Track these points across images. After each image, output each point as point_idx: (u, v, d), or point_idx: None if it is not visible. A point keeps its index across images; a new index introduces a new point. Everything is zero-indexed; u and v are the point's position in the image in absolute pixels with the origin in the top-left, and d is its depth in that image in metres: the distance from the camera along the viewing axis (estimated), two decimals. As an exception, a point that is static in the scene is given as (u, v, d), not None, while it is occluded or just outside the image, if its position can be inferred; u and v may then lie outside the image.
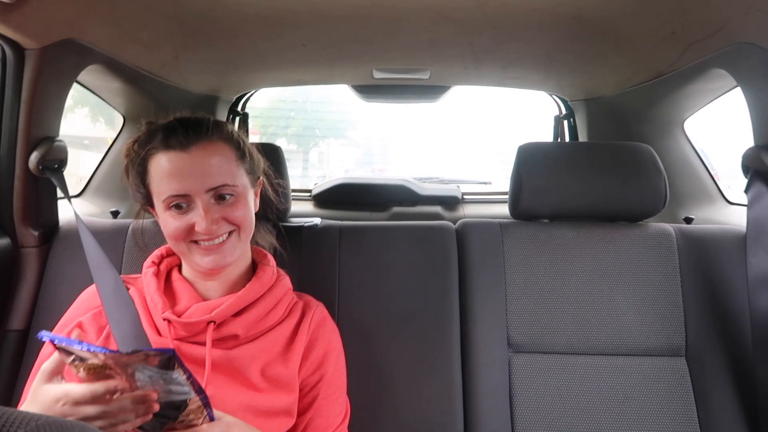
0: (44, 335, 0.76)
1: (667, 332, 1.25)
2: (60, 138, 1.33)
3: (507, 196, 1.39)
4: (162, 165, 0.96)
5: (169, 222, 0.97)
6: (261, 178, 1.11)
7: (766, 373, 1.14)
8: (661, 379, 1.22)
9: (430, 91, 2.21)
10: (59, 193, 1.37)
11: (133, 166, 1.01)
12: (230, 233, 0.99)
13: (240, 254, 1.02)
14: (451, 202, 2.38)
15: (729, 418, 1.18)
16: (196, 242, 0.98)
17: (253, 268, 1.10)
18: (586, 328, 1.26)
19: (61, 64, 1.27)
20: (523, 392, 1.22)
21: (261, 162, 1.12)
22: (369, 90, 2.23)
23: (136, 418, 0.77)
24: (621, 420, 1.20)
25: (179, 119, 1.01)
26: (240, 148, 1.03)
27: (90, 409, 0.75)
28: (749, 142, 1.30)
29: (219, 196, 0.97)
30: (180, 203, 0.96)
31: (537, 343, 1.26)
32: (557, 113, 2.28)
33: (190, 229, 0.96)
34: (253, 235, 1.09)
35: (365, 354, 1.22)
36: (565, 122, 2.25)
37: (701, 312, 1.26)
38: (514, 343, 1.26)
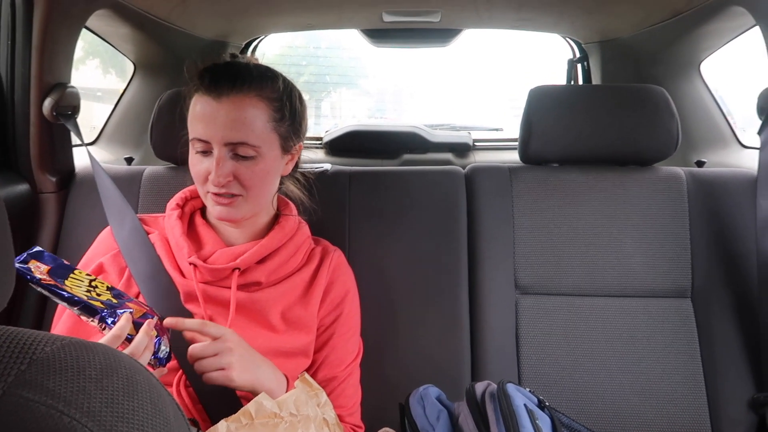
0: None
1: (673, 274, 1.27)
2: (72, 85, 1.34)
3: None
4: (195, 106, 0.97)
5: (194, 163, 1.00)
6: (301, 143, 1.08)
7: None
8: (666, 319, 1.25)
9: (441, 34, 2.16)
10: (74, 141, 1.39)
11: (183, 101, 1.02)
12: (240, 195, 0.98)
13: (250, 213, 1.02)
14: (462, 149, 2.37)
15: (731, 356, 1.21)
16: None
17: (275, 216, 1.11)
18: (593, 270, 1.27)
19: (69, 8, 1.27)
20: (530, 333, 1.25)
21: (305, 126, 1.09)
22: (379, 34, 2.19)
23: None
24: (625, 358, 1.22)
25: (226, 63, 1.00)
26: (280, 110, 0.99)
27: None
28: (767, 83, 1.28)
29: (237, 153, 0.96)
30: (203, 148, 0.97)
31: (544, 284, 1.28)
32: (570, 57, 2.24)
33: (207, 176, 0.97)
34: (282, 188, 1.11)
35: (375, 297, 1.25)
36: (579, 66, 2.21)
37: (708, 254, 1.26)
38: (521, 284, 1.28)
